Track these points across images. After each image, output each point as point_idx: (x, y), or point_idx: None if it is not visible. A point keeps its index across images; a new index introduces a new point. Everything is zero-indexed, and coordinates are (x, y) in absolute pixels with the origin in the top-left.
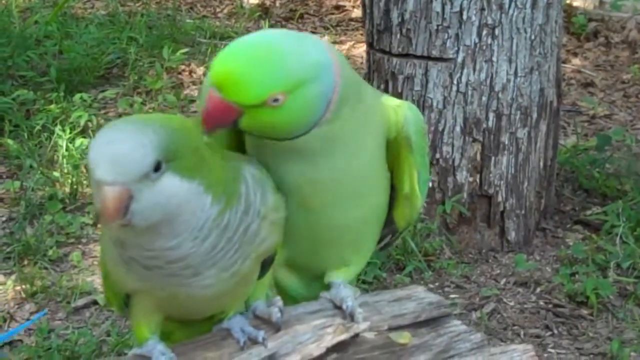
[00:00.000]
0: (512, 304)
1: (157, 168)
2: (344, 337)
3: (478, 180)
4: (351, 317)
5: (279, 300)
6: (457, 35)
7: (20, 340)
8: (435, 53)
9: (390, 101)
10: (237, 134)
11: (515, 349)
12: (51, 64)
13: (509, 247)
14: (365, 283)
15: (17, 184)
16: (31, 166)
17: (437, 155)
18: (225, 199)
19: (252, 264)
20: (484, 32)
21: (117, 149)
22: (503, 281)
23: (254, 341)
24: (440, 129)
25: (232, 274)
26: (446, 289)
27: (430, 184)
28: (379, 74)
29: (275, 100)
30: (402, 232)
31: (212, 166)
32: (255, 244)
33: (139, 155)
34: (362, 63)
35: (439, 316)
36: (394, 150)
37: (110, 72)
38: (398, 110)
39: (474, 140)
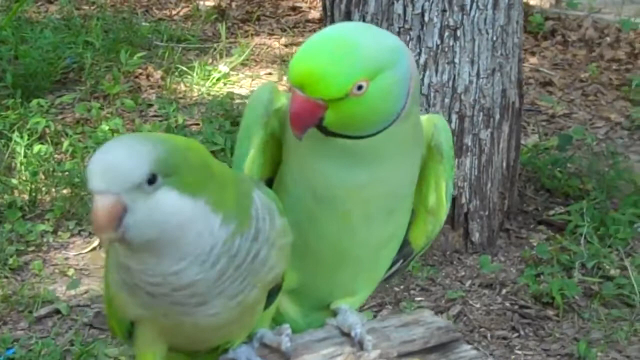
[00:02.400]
0: (478, 305)
1: (152, 181)
2: None
3: None
4: (360, 345)
5: (287, 328)
6: (419, 37)
7: None
8: None
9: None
10: (274, 145)
11: None
12: (7, 69)
13: (473, 248)
14: None
15: None
16: None
17: None
18: (236, 222)
19: (259, 293)
20: (446, 34)
21: (111, 158)
22: (468, 283)
23: None
24: None
25: (238, 303)
26: (412, 292)
27: None
28: None
29: (359, 87)
30: (418, 254)
31: (223, 185)
32: (264, 272)
33: (131, 165)
34: None
35: (449, 341)
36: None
37: (67, 76)
38: (429, 120)
39: None
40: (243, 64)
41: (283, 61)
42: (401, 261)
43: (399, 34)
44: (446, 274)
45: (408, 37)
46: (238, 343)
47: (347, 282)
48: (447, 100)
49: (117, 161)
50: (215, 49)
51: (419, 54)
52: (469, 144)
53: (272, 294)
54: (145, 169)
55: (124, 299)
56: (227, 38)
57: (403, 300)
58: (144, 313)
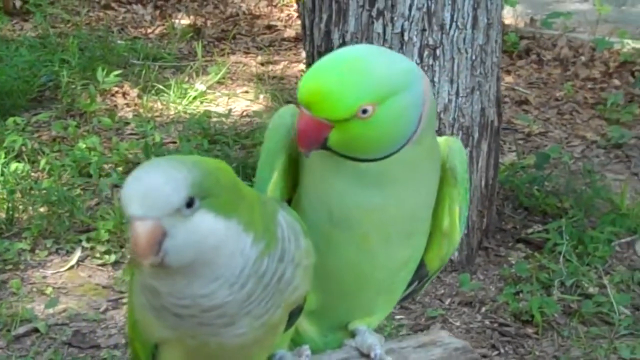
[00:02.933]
0: (458, 324)
1: (189, 204)
2: None
3: None
4: None
5: (307, 349)
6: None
7: None
8: None
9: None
10: (293, 167)
11: None
12: None
13: (452, 266)
14: None
15: None
16: None
17: None
18: (265, 242)
19: (282, 313)
20: (425, 53)
21: (148, 184)
22: (448, 301)
23: None
24: None
25: (263, 324)
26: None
27: None
28: None
29: (365, 111)
30: (432, 276)
31: (251, 206)
32: (288, 292)
33: (170, 189)
34: (296, 83)
35: None
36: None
37: (43, 94)
38: (444, 143)
39: None
40: (220, 82)
41: (259, 79)
42: (417, 282)
43: None
44: (426, 292)
45: None
46: None
47: (366, 303)
48: None
49: (155, 186)
50: (191, 67)
51: None
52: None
53: (294, 315)
54: (183, 193)
55: (150, 321)
56: (203, 56)
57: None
58: (171, 334)
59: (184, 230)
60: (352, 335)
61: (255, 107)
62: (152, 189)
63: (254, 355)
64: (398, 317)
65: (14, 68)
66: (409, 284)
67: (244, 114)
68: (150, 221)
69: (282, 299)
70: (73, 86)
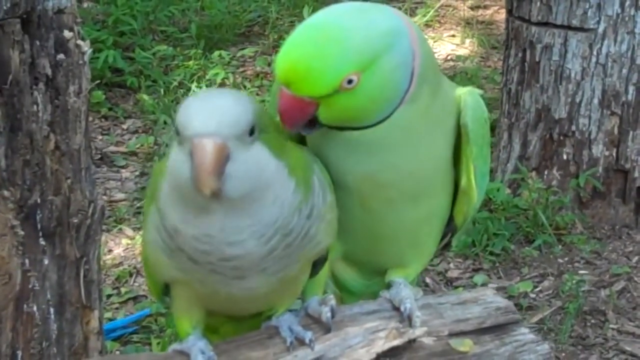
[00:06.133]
0: None
1: (251, 132)
2: (396, 342)
3: (614, 155)
4: (409, 320)
5: (331, 299)
6: (598, 5)
7: None
8: (575, 23)
9: (461, 90)
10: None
11: None
12: (192, 20)
13: None
14: (492, 254)
15: (152, 139)
16: (165, 122)
17: (573, 128)
18: (302, 192)
19: (303, 267)
20: (627, 3)
21: (218, 103)
22: (635, 259)
23: (301, 341)
24: (577, 100)
25: (278, 279)
26: (575, 265)
27: (565, 157)
28: (517, 42)
29: (349, 82)
30: (460, 230)
31: (294, 153)
32: (309, 247)
33: (240, 111)
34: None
35: (506, 323)
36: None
37: (251, 30)
38: (460, 96)
39: (612, 113)
40: (427, 25)
41: (467, 23)
42: (450, 234)
43: (578, 1)
44: (613, 248)
45: (587, 5)
46: (282, 310)
47: (394, 256)
48: (624, 71)
49: (226, 105)
50: (400, 9)
51: (598, 22)
52: None
53: (317, 263)
54: (250, 117)
55: (161, 260)
56: None
57: (565, 273)
58: (180, 276)
59: (246, 157)
60: (388, 286)
61: (461, 51)
62: (222, 108)
63: (274, 303)
64: (581, 272)
65: (225, 2)
66: (444, 236)
67: (448, 57)
68: (219, 139)
69: (302, 254)
70: (281, 22)
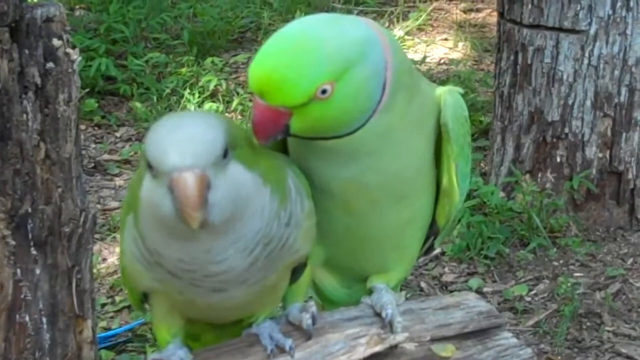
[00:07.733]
0: (638, 284)
1: (225, 154)
2: (378, 348)
3: (608, 157)
4: (390, 326)
5: (312, 306)
6: (590, 6)
7: None
8: (567, 24)
9: (441, 90)
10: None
11: None
12: (184, 27)
13: (638, 225)
14: (487, 258)
15: None
16: None
17: (566, 130)
18: (278, 198)
19: (281, 274)
20: (618, 4)
21: (189, 133)
22: (630, 261)
23: (282, 349)
24: (570, 102)
25: (256, 289)
26: (570, 267)
27: (559, 159)
28: (509, 44)
29: (323, 92)
30: (443, 233)
31: (265, 161)
32: (288, 256)
33: (213, 137)
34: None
35: (488, 327)
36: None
37: (243, 36)
38: (440, 96)
39: (605, 115)
40: (419, 29)
41: (460, 27)
42: (433, 238)
43: (569, 2)
44: (608, 250)
45: (579, 6)
46: (262, 318)
47: (375, 259)
48: (617, 73)
49: (198, 134)
50: (392, 13)
51: (590, 23)
52: (639, 118)
53: (297, 270)
54: (223, 140)
55: (139, 271)
56: (405, 2)
57: (560, 275)
58: (158, 287)
59: (224, 180)
60: (370, 292)
61: (454, 54)
62: (196, 137)
63: (254, 310)
64: (576, 274)
65: (217, 8)
66: (427, 239)
67: (441, 61)
68: (198, 171)
69: (281, 263)
70: (273, 28)
